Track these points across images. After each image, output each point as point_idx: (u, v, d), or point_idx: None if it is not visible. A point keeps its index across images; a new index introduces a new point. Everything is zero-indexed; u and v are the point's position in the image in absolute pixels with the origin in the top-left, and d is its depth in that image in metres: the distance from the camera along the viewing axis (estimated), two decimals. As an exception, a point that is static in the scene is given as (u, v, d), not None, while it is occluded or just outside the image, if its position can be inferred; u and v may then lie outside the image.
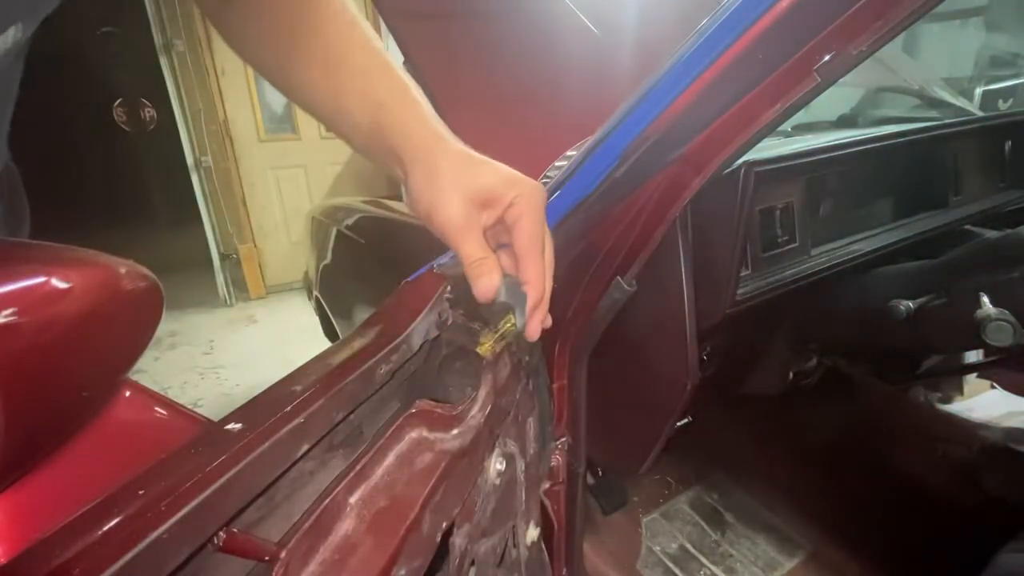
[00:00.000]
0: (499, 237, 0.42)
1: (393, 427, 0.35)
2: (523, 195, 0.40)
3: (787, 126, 1.26)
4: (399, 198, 1.33)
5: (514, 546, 0.51)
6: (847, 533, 1.13)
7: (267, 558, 0.26)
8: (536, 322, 0.42)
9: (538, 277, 0.40)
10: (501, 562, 0.48)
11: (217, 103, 3.13)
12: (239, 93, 3.17)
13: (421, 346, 0.42)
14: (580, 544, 0.77)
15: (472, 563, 0.41)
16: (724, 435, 1.42)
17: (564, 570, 0.73)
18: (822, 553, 1.12)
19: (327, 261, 1.53)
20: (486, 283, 0.39)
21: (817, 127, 1.38)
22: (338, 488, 0.30)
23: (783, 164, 0.78)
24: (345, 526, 0.30)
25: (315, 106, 0.46)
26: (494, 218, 0.41)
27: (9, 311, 0.21)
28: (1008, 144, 1.15)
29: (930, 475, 1.23)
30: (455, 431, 0.39)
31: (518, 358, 0.49)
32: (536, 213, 0.40)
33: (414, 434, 0.36)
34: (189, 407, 0.37)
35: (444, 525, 0.36)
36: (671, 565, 1.12)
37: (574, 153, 0.60)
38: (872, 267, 0.95)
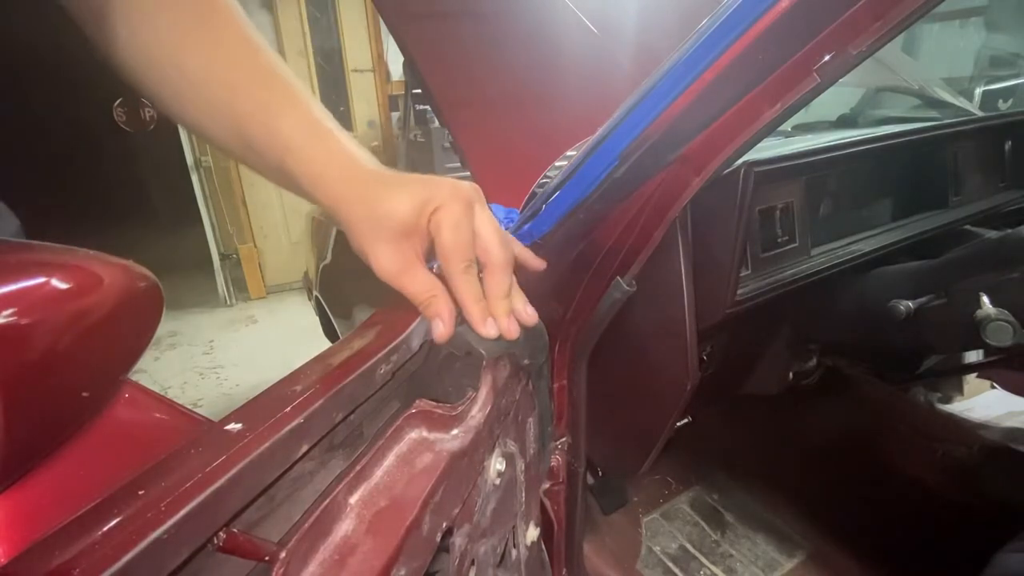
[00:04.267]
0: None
1: (393, 427, 0.35)
2: (438, 209, 0.37)
3: (787, 126, 1.26)
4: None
5: (514, 546, 0.51)
6: (847, 533, 1.13)
7: (267, 558, 0.26)
8: (480, 321, 0.40)
9: (464, 293, 0.39)
10: (501, 562, 0.48)
11: (217, 103, 3.13)
12: (239, 93, 3.16)
13: (421, 346, 0.42)
14: (580, 544, 0.77)
15: (472, 563, 0.41)
16: (724, 435, 1.42)
17: (564, 570, 0.73)
18: (822, 553, 1.12)
19: (327, 261, 1.53)
20: (439, 327, 0.38)
21: (817, 127, 1.38)
22: (338, 488, 0.30)
23: (783, 164, 0.78)
24: (345, 526, 0.30)
25: (219, 139, 0.41)
26: (426, 242, 0.39)
27: (9, 312, 0.21)
28: (1008, 144, 1.15)
29: (930, 475, 1.23)
30: (455, 431, 0.39)
31: (519, 361, 0.49)
32: (453, 227, 0.37)
33: (414, 434, 0.36)
34: (189, 407, 0.37)
35: (444, 525, 0.36)
36: (671, 565, 1.12)
37: (574, 153, 0.60)
38: (872, 267, 0.95)
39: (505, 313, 0.40)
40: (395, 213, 0.37)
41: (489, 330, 0.40)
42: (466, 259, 0.38)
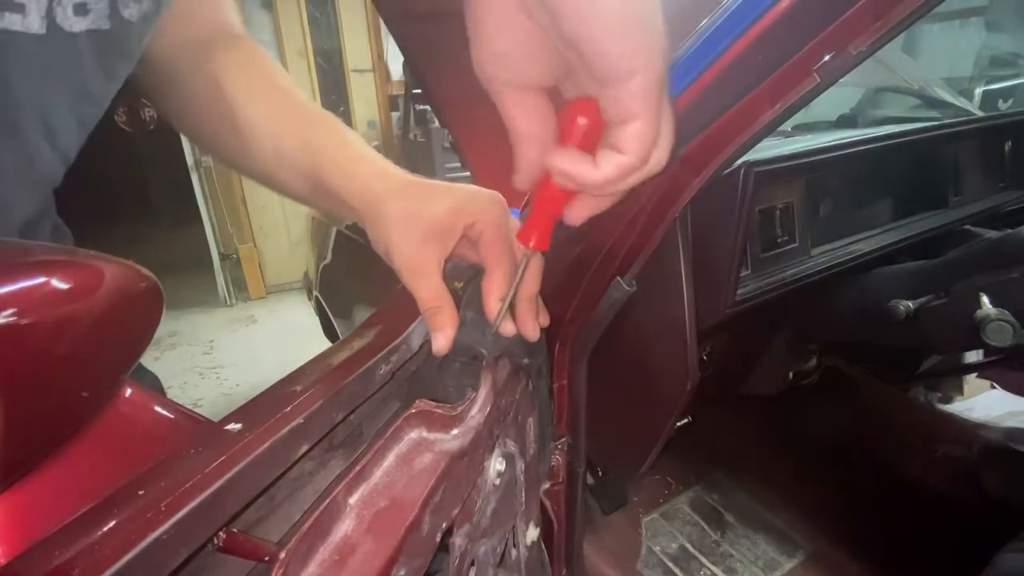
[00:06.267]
0: (466, 251, 0.42)
1: (393, 427, 0.35)
2: (479, 212, 0.39)
3: (787, 126, 1.26)
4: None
5: (514, 546, 0.51)
6: (847, 533, 1.13)
7: (267, 558, 0.26)
8: (530, 320, 0.43)
9: (504, 284, 0.40)
10: (501, 562, 0.48)
11: (217, 103, 3.12)
12: (239, 93, 3.17)
13: (421, 346, 0.42)
14: (580, 544, 0.77)
15: (472, 563, 0.41)
16: (724, 435, 1.42)
17: (564, 570, 0.73)
18: (822, 553, 1.12)
19: (327, 261, 1.53)
20: (440, 340, 0.39)
21: (817, 127, 1.38)
22: (338, 488, 0.30)
23: (783, 164, 0.78)
24: (345, 527, 0.30)
25: (254, 157, 0.45)
26: (453, 244, 0.40)
27: (8, 312, 0.21)
28: (1008, 144, 1.15)
29: (930, 475, 1.23)
30: (455, 431, 0.39)
31: (518, 360, 0.49)
32: (496, 226, 0.40)
33: (414, 434, 0.36)
34: (189, 407, 0.37)
35: (444, 526, 0.36)
36: (671, 565, 1.12)
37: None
38: (872, 267, 0.95)
39: (534, 315, 0.43)
40: (434, 212, 0.38)
41: (533, 332, 0.43)
42: (510, 251, 0.40)
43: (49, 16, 0.31)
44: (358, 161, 0.41)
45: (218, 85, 0.44)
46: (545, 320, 0.45)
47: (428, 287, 0.39)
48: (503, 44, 0.28)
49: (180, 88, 0.45)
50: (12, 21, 0.29)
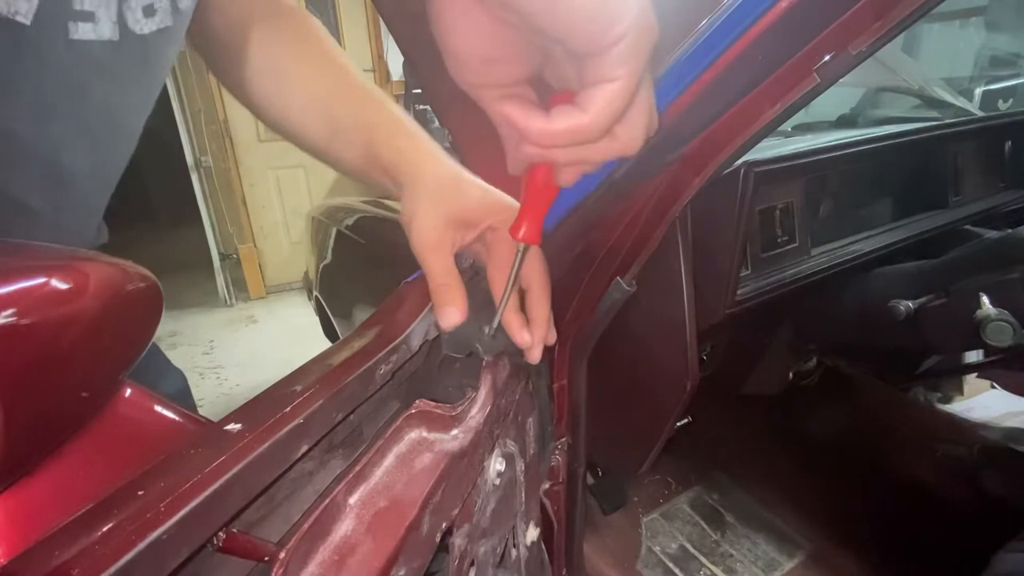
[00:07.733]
0: (478, 254, 0.43)
1: (392, 427, 0.35)
2: (505, 221, 0.39)
3: (787, 126, 1.26)
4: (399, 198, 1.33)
5: (514, 546, 0.51)
6: (847, 533, 1.13)
7: (266, 558, 0.26)
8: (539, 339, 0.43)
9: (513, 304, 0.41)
10: (501, 562, 0.48)
11: (217, 103, 3.13)
12: (239, 93, 3.17)
13: (421, 346, 0.42)
14: (580, 544, 0.77)
15: (472, 563, 0.41)
16: (724, 435, 1.42)
17: (564, 570, 0.73)
18: (822, 553, 1.12)
19: (327, 261, 1.53)
20: (450, 314, 0.39)
21: (817, 127, 1.38)
22: (337, 489, 0.30)
23: (783, 164, 0.78)
24: (344, 527, 0.30)
25: (310, 132, 0.48)
26: (471, 238, 0.41)
27: (8, 312, 0.21)
28: (1008, 144, 1.15)
29: (930, 475, 1.23)
30: (454, 431, 0.39)
31: (518, 360, 0.49)
32: (511, 243, 0.39)
33: (413, 434, 0.36)
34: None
35: (444, 526, 0.36)
36: (671, 565, 1.12)
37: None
38: (872, 267, 0.95)
39: (541, 339, 0.43)
40: (465, 202, 0.40)
41: (534, 353, 0.43)
42: (514, 274, 0.40)
43: (120, 21, 0.31)
44: (408, 138, 0.43)
45: (276, 62, 0.47)
46: (553, 338, 0.44)
47: (441, 263, 0.39)
48: (472, 50, 0.27)
49: (239, 65, 0.47)
50: (85, 31, 0.30)
